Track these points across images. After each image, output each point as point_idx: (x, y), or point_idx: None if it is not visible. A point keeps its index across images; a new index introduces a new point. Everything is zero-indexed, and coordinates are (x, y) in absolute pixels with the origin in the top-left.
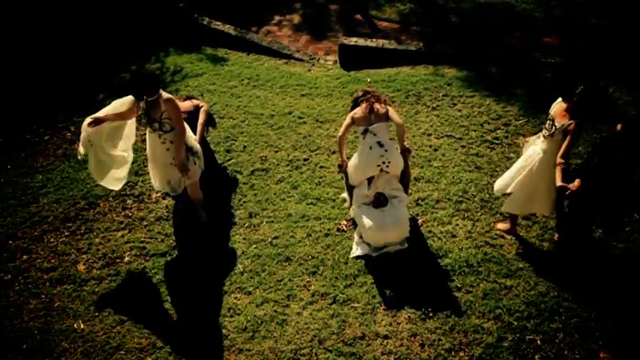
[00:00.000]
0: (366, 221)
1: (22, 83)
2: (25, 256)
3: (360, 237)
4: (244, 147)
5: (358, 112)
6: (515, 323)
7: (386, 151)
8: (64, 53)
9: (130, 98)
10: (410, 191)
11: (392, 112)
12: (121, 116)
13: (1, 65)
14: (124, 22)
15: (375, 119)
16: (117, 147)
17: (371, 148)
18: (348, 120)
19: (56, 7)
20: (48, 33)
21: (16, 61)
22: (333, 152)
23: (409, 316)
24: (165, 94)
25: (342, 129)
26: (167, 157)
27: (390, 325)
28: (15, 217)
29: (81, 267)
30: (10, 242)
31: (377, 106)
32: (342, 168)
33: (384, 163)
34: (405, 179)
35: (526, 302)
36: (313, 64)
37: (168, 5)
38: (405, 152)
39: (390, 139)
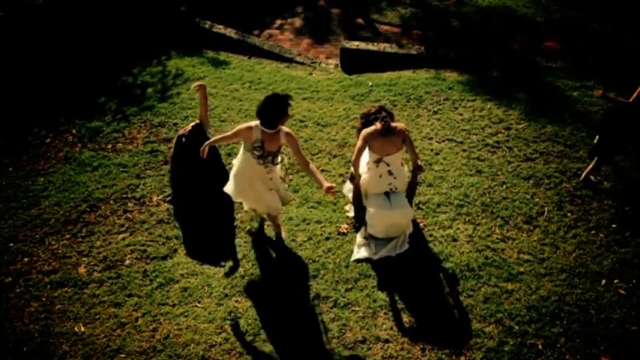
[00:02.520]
0: (372, 205)
1: (24, 86)
2: (25, 259)
3: (364, 238)
4: None
5: (374, 134)
6: (517, 327)
7: (395, 178)
8: (66, 56)
9: (246, 125)
10: None
11: (407, 138)
12: (227, 139)
13: (3, 67)
14: (126, 25)
15: (391, 148)
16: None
17: (381, 176)
18: (360, 142)
19: (58, 10)
20: (50, 36)
21: (18, 64)
22: (334, 156)
23: (410, 320)
24: (284, 128)
25: (355, 153)
26: (268, 184)
27: (391, 329)
28: (16, 219)
29: (82, 270)
30: (11, 245)
31: (393, 127)
32: (355, 181)
33: (391, 190)
34: (410, 192)
35: (527, 306)
36: (315, 68)
37: (170, 8)
38: (417, 170)
39: (402, 164)
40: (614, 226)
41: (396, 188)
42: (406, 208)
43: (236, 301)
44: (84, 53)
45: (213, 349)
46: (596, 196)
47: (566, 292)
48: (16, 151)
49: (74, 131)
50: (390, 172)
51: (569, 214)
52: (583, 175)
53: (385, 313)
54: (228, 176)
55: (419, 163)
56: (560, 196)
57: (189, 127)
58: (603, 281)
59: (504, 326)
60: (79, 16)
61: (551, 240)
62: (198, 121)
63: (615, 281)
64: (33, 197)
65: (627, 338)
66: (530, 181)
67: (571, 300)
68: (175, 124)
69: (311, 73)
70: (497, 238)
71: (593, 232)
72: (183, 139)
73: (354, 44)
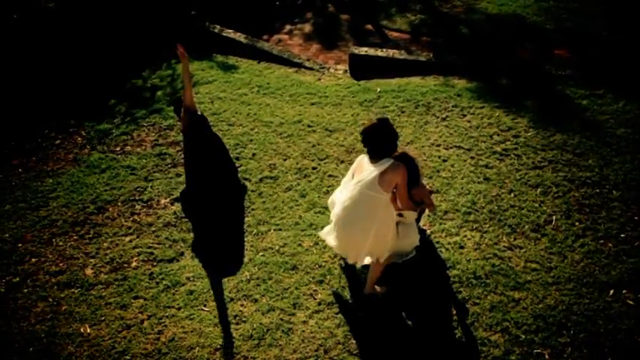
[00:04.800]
0: None
1: (34, 87)
2: (33, 260)
3: None
4: (253, 154)
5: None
6: (523, 337)
7: (402, 216)
8: (77, 58)
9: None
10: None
11: (427, 200)
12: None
13: (15, 70)
14: (136, 28)
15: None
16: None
17: None
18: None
19: (70, 14)
20: (62, 39)
21: (29, 66)
22: (342, 161)
23: (415, 327)
24: None
25: (402, 199)
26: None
27: (395, 335)
28: (24, 220)
29: (88, 271)
30: (19, 245)
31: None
32: None
33: (399, 222)
34: (418, 213)
35: (534, 315)
36: (323, 73)
37: (180, 13)
38: (425, 208)
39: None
40: (622, 235)
41: (404, 223)
42: (414, 238)
43: (241, 305)
44: (94, 56)
45: (218, 352)
46: (604, 205)
47: (573, 301)
48: (25, 152)
49: (83, 133)
50: (399, 215)
51: (577, 223)
52: None
53: (389, 320)
54: (237, 177)
55: (430, 208)
56: (568, 205)
57: (185, 124)
58: (611, 291)
59: (510, 335)
60: (90, 19)
61: (558, 249)
62: (185, 106)
63: (623, 291)
64: (41, 198)
65: (635, 349)
66: (539, 190)
67: (578, 310)
68: None
69: (319, 79)
70: (504, 246)
71: (602, 241)
72: (189, 144)
73: (363, 50)
